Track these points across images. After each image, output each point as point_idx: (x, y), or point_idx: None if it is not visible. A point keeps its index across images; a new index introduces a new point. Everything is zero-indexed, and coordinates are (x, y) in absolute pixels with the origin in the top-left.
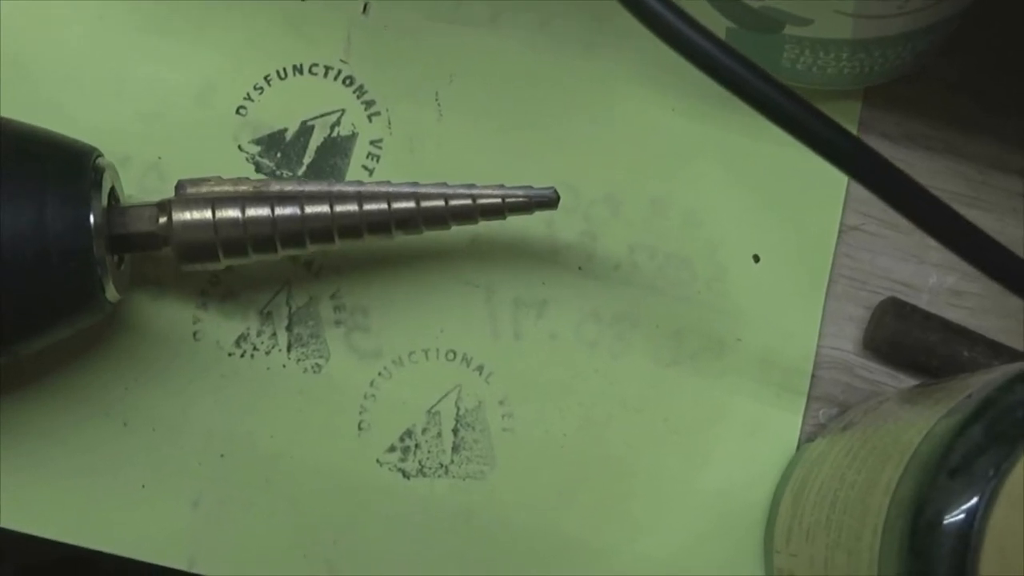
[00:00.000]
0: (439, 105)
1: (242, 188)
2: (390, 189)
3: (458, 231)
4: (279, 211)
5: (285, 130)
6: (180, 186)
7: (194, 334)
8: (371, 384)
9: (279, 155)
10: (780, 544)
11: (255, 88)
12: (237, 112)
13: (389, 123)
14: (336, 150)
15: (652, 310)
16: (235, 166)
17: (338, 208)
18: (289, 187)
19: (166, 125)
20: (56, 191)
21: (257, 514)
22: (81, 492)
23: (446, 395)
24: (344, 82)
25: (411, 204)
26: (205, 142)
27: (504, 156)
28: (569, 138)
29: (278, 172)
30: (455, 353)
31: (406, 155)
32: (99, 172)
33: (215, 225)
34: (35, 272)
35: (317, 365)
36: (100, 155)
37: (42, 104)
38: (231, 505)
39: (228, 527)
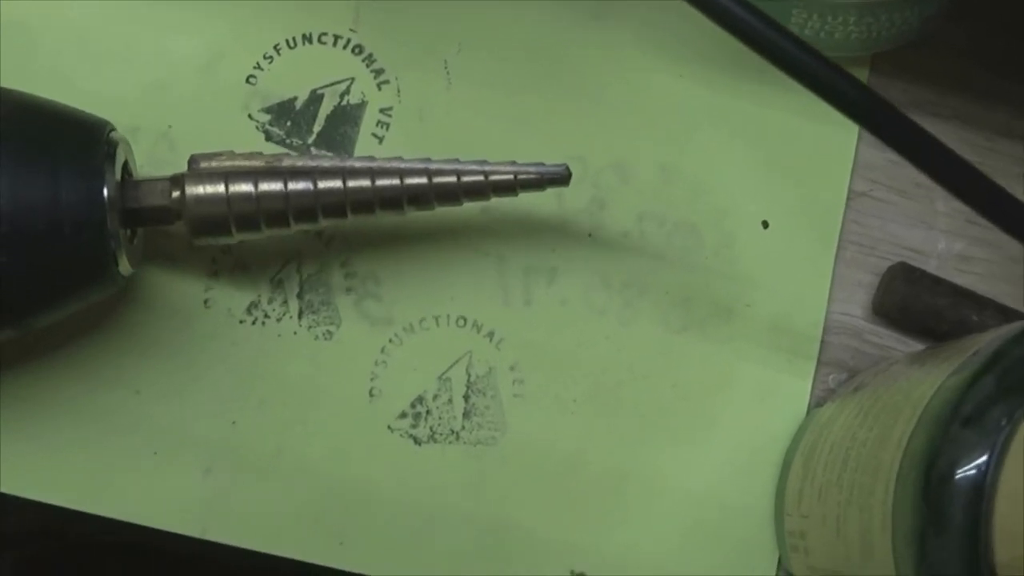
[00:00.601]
0: (448, 73)
1: (255, 163)
2: (402, 165)
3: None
4: (292, 186)
5: (295, 99)
6: (193, 160)
7: (205, 302)
8: (382, 351)
9: (289, 124)
10: (791, 507)
11: (264, 57)
12: (247, 81)
13: (398, 91)
14: (346, 118)
15: (661, 277)
16: (245, 135)
17: (351, 183)
18: (301, 162)
19: (175, 95)
20: (70, 164)
21: (269, 481)
22: (93, 460)
23: (457, 361)
24: (353, 51)
25: (423, 180)
26: (215, 111)
27: (513, 124)
28: (577, 106)
29: (288, 141)
30: (466, 320)
31: (415, 123)
32: (112, 145)
33: (228, 199)
34: (48, 245)
35: (328, 332)
36: (113, 129)
37: (48, 75)
38: (243, 473)
39: (240, 495)
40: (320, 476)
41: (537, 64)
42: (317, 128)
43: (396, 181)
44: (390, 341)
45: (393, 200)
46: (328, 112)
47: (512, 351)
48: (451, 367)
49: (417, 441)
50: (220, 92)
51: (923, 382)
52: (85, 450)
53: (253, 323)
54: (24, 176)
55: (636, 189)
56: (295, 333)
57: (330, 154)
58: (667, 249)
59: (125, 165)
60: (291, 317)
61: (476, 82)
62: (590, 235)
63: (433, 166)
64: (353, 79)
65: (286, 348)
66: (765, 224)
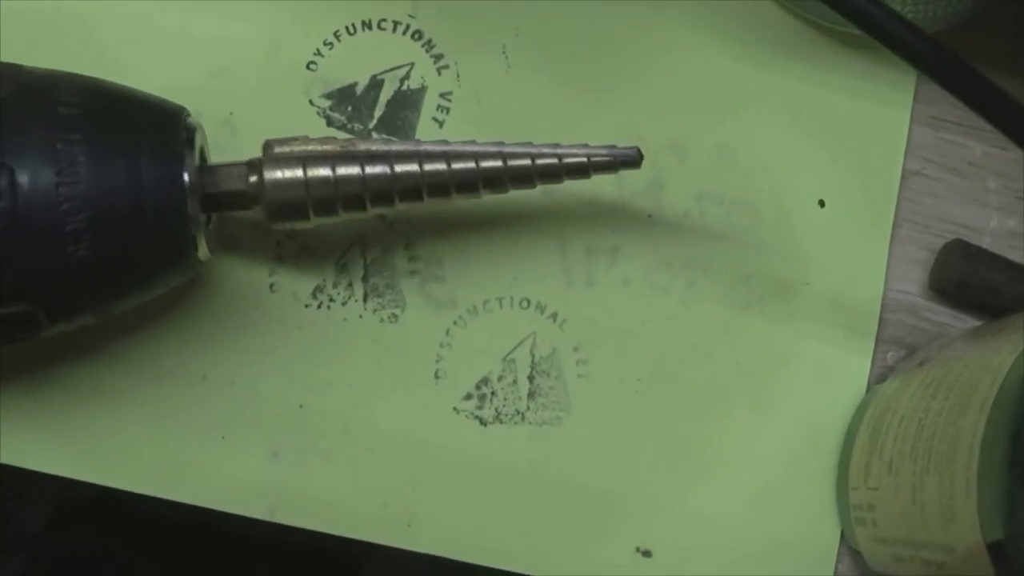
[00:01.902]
0: (507, 57)
1: (330, 147)
2: (477, 148)
3: None
4: (369, 170)
5: (355, 84)
6: (268, 146)
7: (271, 286)
8: (447, 333)
9: (350, 109)
10: (857, 480)
11: (324, 44)
12: (307, 67)
13: (458, 76)
14: (406, 103)
15: (721, 256)
16: (306, 121)
17: (427, 167)
18: (376, 146)
19: (236, 81)
20: (151, 150)
21: (336, 464)
22: (162, 444)
23: (521, 343)
24: (413, 36)
25: (498, 163)
26: (276, 97)
27: (571, 106)
28: (634, 87)
29: (349, 126)
30: (529, 301)
31: (474, 107)
32: (190, 131)
33: (306, 183)
34: (130, 231)
35: (393, 315)
36: (189, 114)
37: (109, 64)
38: (310, 455)
39: (307, 477)
40: (387, 458)
41: (594, 46)
42: (378, 113)
43: (471, 164)
44: (454, 323)
45: (468, 183)
46: (388, 97)
47: (575, 332)
48: (515, 348)
49: (483, 422)
50: (281, 78)
51: (1001, 350)
52: (152, 434)
53: (319, 307)
54: (106, 162)
55: (694, 169)
56: (360, 316)
57: (390, 138)
58: (726, 228)
59: (201, 150)
60: (356, 301)
61: (534, 65)
62: (650, 216)
63: (507, 149)
64: (413, 64)
65: (351, 331)
66: (821, 203)
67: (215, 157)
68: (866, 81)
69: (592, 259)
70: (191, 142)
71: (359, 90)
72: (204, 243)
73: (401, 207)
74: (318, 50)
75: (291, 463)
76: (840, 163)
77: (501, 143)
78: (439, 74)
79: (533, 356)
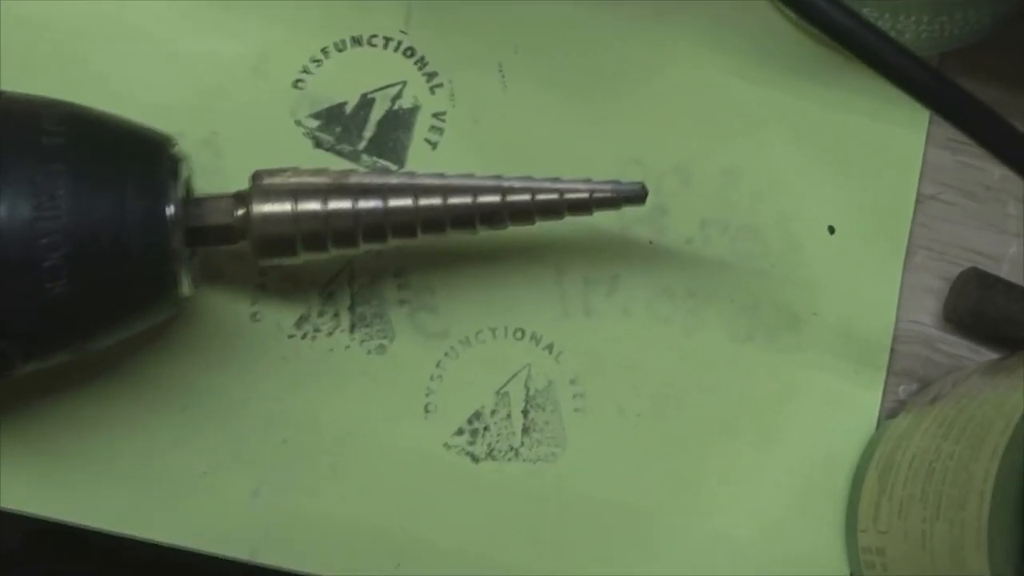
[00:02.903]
0: (503, 76)
1: (322, 179)
2: (474, 182)
3: None
4: (362, 204)
5: (345, 103)
6: (257, 176)
7: (253, 316)
8: (437, 365)
9: (339, 129)
10: (866, 522)
11: (312, 61)
12: (294, 85)
13: (452, 95)
14: (398, 123)
15: (725, 285)
16: (293, 141)
17: (422, 201)
18: (369, 179)
19: (220, 99)
20: (135, 182)
21: (321, 502)
22: (138, 481)
23: (515, 375)
24: (405, 53)
25: (496, 199)
26: (261, 117)
27: (570, 127)
28: (637, 108)
29: (338, 147)
30: (524, 332)
31: (470, 127)
32: (175, 162)
33: (296, 218)
34: (112, 266)
35: (381, 346)
36: (175, 144)
37: (90, 79)
38: (294, 492)
39: (291, 515)
40: (375, 496)
41: (595, 65)
42: (368, 134)
43: (468, 199)
44: (445, 355)
45: (465, 219)
46: (379, 117)
47: (572, 364)
48: (509, 381)
49: (475, 459)
50: (266, 97)
51: (1015, 390)
52: (128, 470)
53: (303, 338)
54: (88, 195)
55: (698, 194)
56: (347, 348)
57: (395, 167)
58: (731, 256)
59: (186, 182)
60: (343, 331)
61: (532, 85)
62: (651, 242)
63: (506, 183)
64: (405, 83)
65: (338, 363)
66: (831, 229)
67: (197, 178)
68: (879, 101)
69: (590, 288)
70: (176, 174)
71: (348, 109)
72: (187, 279)
73: (395, 243)
74: (305, 67)
75: (274, 501)
76: (851, 187)
77: (499, 177)
78: (432, 93)
79: (528, 389)
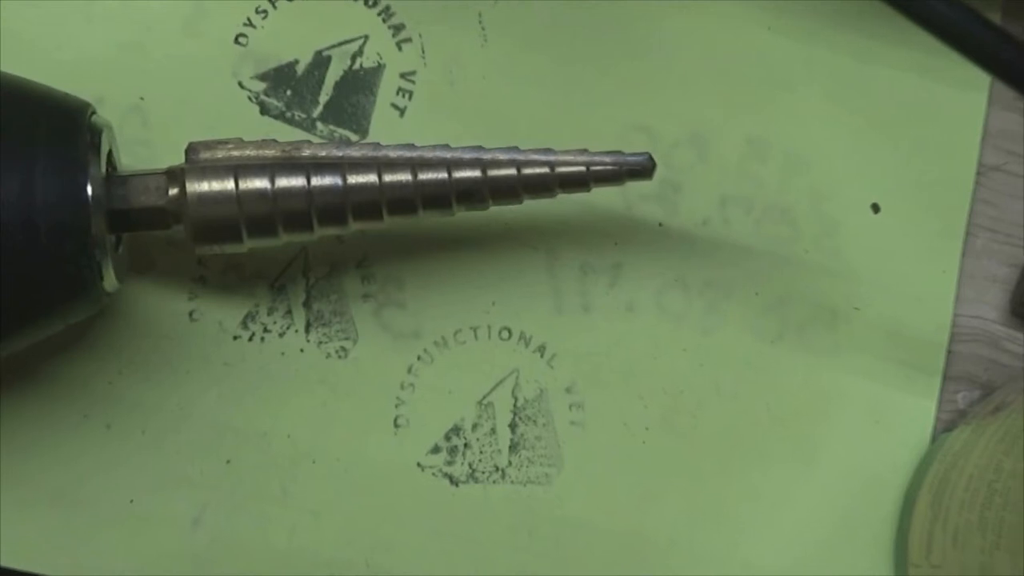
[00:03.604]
0: (483, 29)
1: (268, 152)
2: (450, 155)
3: None
4: (316, 181)
5: (296, 62)
6: (192, 150)
7: (190, 314)
8: (409, 371)
9: (289, 93)
10: (918, 555)
11: (257, 12)
12: (236, 41)
13: (423, 51)
14: (359, 85)
15: (749, 274)
16: (235, 107)
17: (387, 177)
18: (325, 151)
19: (148, 58)
20: (46, 156)
21: (272, 532)
22: (55, 511)
23: (501, 382)
24: (366, 2)
25: (476, 173)
26: (197, 79)
27: (563, 89)
28: (642, 66)
29: (288, 114)
30: (510, 331)
31: (444, 89)
32: (96, 132)
33: (238, 198)
34: (21, 255)
35: (343, 348)
36: (95, 111)
37: None
38: (240, 522)
39: (237, 548)
40: (334, 525)
41: (593, 15)
42: (324, 98)
43: (443, 175)
44: (418, 359)
45: (439, 197)
46: (337, 78)
47: (568, 369)
48: (493, 390)
49: (453, 481)
50: (203, 55)
51: None
52: (41, 498)
53: (250, 339)
54: None
55: (717, 167)
56: (302, 351)
57: (356, 138)
58: (756, 240)
59: (109, 156)
60: (297, 331)
61: (518, 38)
62: (661, 224)
63: (487, 156)
64: (367, 37)
65: (291, 369)
66: (875, 208)
67: (122, 152)
68: (932, 55)
69: (589, 279)
70: (97, 146)
71: (300, 70)
72: (111, 271)
73: (357, 227)
74: (249, 19)
75: (217, 531)
76: (899, 158)
77: (480, 148)
78: (399, 49)
79: (516, 399)
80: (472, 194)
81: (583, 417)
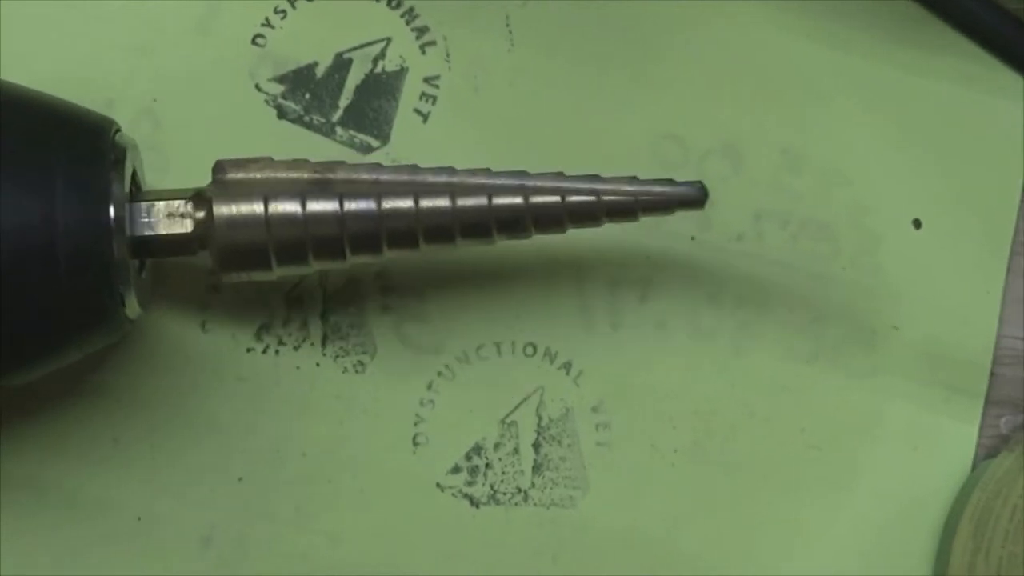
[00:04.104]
0: (510, 32)
1: (300, 174)
2: (490, 180)
3: None
4: (350, 206)
5: (315, 64)
6: (219, 169)
7: (202, 325)
8: (429, 387)
9: (308, 96)
10: None
11: (276, 12)
12: (253, 42)
13: (447, 55)
14: (380, 90)
15: (785, 291)
16: (251, 111)
17: (424, 204)
18: (360, 174)
19: (161, 59)
20: (67, 178)
21: (285, 555)
22: (60, 529)
23: (524, 401)
24: (389, 3)
25: (518, 200)
26: (212, 80)
27: (592, 96)
28: (674, 72)
29: (307, 118)
30: (535, 347)
31: (469, 95)
32: (120, 152)
33: (268, 222)
34: (40, 281)
35: (360, 363)
36: (119, 129)
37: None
38: (252, 543)
39: (248, 570)
40: (351, 548)
41: (624, 19)
42: (344, 102)
43: (483, 201)
44: (439, 375)
45: (479, 226)
46: (358, 82)
47: (595, 387)
48: (517, 408)
49: (474, 502)
50: (219, 56)
51: None
52: (46, 515)
53: (264, 352)
54: (8, 190)
55: (751, 179)
56: (318, 365)
57: (377, 144)
58: (792, 256)
59: (134, 176)
60: (312, 344)
61: (546, 42)
62: (693, 238)
63: (530, 182)
64: (389, 39)
65: (306, 384)
66: (917, 223)
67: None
68: (976, 64)
69: (617, 294)
70: (120, 166)
71: (319, 72)
72: (134, 297)
73: (390, 255)
74: (267, 19)
75: (226, 552)
76: (942, 172)
77: (522, 173)
78: (423, 52)
79: (540, 418)
80: (514, 223)
81: (610, 438)
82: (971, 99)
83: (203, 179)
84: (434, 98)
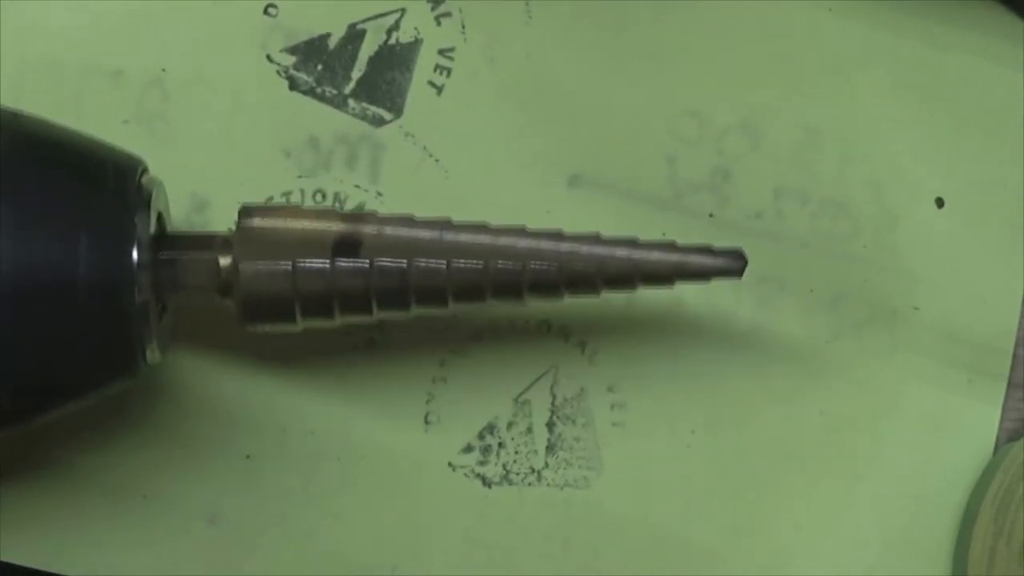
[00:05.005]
0: (527, 4)
1: (328, 225)
2: (525, 243)
3: None
4: (379, 262)
5: (328, 36)
6: (245, 214)
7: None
8: (441, 364)
9: (320, 67)
10: (978, 569)
11: None
12: (265, 12)
13: (462, 27)
14: (394, 62)
15: (804, 270)
16: (262, 82)
17: (456, 264)
18: (391, 229)
19: (171, 29)
20: (91, 220)
21: (292, 533)
22: (65, 505)
23: (538, 379)
24: None
25: (553, 267)
26: (222, 51)
27: (609, 70)
28: (692, 46)
29: (319, 90)
30: (549, 325)
31: (484, 68)
32: (146, 194)
33: (294, 276)
34: (57, 324)
35: (370, 339)
36: (146, 169)
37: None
38: (258, 521)
39: (254, 549)
40: (359, 528)
41: None
42: (357, 74)
43: (517, 266)
44: (451, 352)
45: (511, 289)
46: (371, 53)
47: (610, 366)
48: (531, 387)
49: (486, 482)
50: (230, 26)
51: None
52: (50, 493)
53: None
54: (31, 228)
55: (771, 156)
56: (327, 341)
57: (390, 116)
58: (812, 234)
59: (159, 218)
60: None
61: (563, 15)
62: (711, 215)
63: (565, 247)
64: (404, 10)
65: (315, 360)
66: (940, 202)
67: (136, 130)
68: (1003, 39)
69: None
70: (145, 209)
71: (332, 43)
72: (155, 344)
73: (418, 311)
74: None
75: (233, 530)
76: (965, 149)
77: (558, 235)
78: (438, 24)
79: (554, 397)
80: (547, 288)
81: (625, 418)
82: (997, 75)
83: (210, 150)
84: (449, 70)
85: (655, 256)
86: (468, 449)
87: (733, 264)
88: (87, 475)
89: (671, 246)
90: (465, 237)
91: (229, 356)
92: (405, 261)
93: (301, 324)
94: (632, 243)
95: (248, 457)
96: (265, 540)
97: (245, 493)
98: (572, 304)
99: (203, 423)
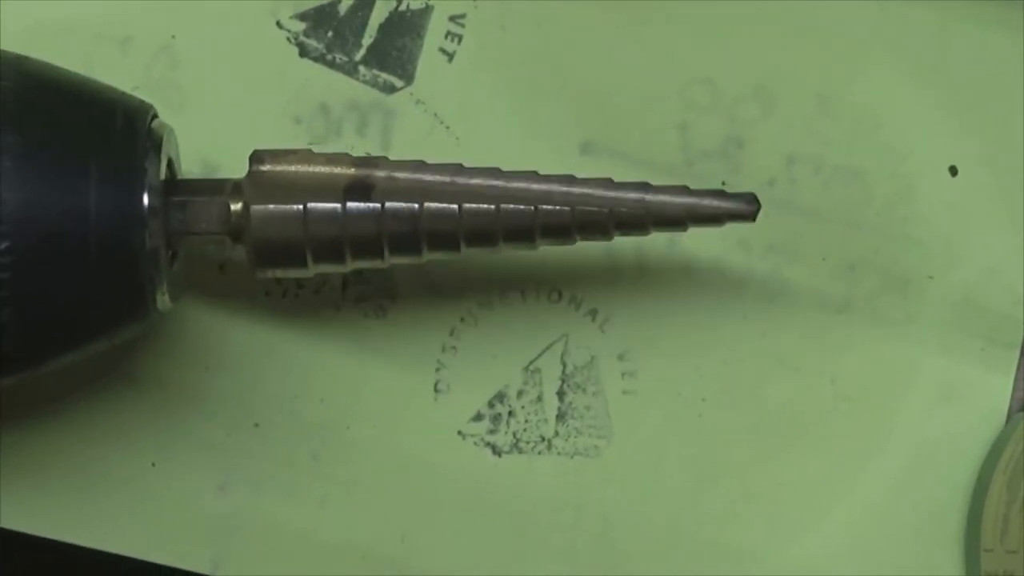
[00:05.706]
0: None
1: (340, 170)
2: (536, 186)
3: None
4: (390, 205)
5: (338, 2)
6: (256, 159)
7: (220, 267)
8: (451, 333)
9: (330, 34)
10: (991, 539)
11: None
12: None
13: None
14: (404, 28)
15: (817, 239)
16: (272, 49)
17: (468, 207)
18: (403, 173)
19: None
20: (102, 165)
21: (302, 502)
22: (75, 473)
23: (549, 347)
24: None
25: (565, 209)
26: (232, 18)
27: (622, 38)
28: (705, 13)
29: (329, 56)
30: (560, 293)
31: (496, 34)
32: (156, 138)
33: (305, 220)
34: (69, 270)
35: (380, 307)
36: (156, 115)
37: None
38: (267, 489)
39: (263, 517)
40: (368, 495)
41: None
42: (367, 41)
43: (529, 208)
44: (461, 320)
45: (524, 233)
46: (382, 20)
47: (621, 334)
48: (541, 355)
49: (496, 451)
50: None
51: None
52: (58, 462)
53: (283, 296)
54: (41, 174)
55: (784, 124)
56: (338, 309)
57: (401, 84)
58: (824, 202)
59: (170, 163)
60: (332, 288)
61: None
62: (724, 183)
63: (576, 189)
64: None
65: (325, 328)
66: (953, 170)
67: (145, 97)
68: (1018, 9)
69: (645, 239)
70: (156, 154)
71: (343, 9)
72: (165, 289)
73: (431, 256)
74: None
75: (242, 500)
76: (980, 117)
77: (571, 178)
78: None
79: (564, 365)
80: (559, 231)
81: (636, 386)
82: (1010, 45)
83: (220, 118)
84: (460, 37)
85: (667, 199)
86: (478, 418)
87: (746, 207)
88: (95, 442)
89: (683, 189)
90: (477, 181)
91: (239, 325)
92: (417, 205)
93: (312, 269)
94: (644, 186)
95: (257, 425)
96: (275, 509)
97: (254, 461)
98: (583, 272)
99: (212, 391)
